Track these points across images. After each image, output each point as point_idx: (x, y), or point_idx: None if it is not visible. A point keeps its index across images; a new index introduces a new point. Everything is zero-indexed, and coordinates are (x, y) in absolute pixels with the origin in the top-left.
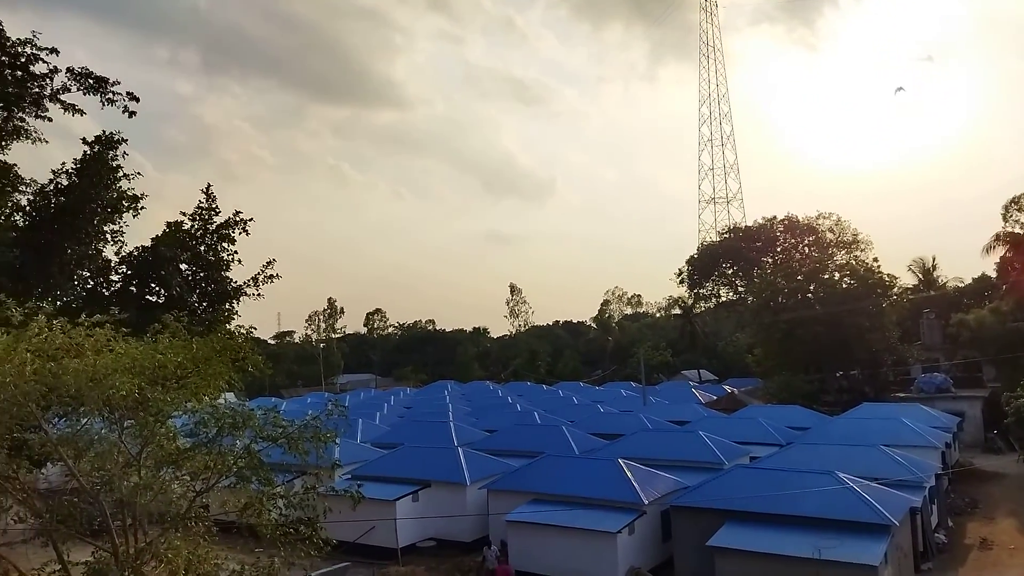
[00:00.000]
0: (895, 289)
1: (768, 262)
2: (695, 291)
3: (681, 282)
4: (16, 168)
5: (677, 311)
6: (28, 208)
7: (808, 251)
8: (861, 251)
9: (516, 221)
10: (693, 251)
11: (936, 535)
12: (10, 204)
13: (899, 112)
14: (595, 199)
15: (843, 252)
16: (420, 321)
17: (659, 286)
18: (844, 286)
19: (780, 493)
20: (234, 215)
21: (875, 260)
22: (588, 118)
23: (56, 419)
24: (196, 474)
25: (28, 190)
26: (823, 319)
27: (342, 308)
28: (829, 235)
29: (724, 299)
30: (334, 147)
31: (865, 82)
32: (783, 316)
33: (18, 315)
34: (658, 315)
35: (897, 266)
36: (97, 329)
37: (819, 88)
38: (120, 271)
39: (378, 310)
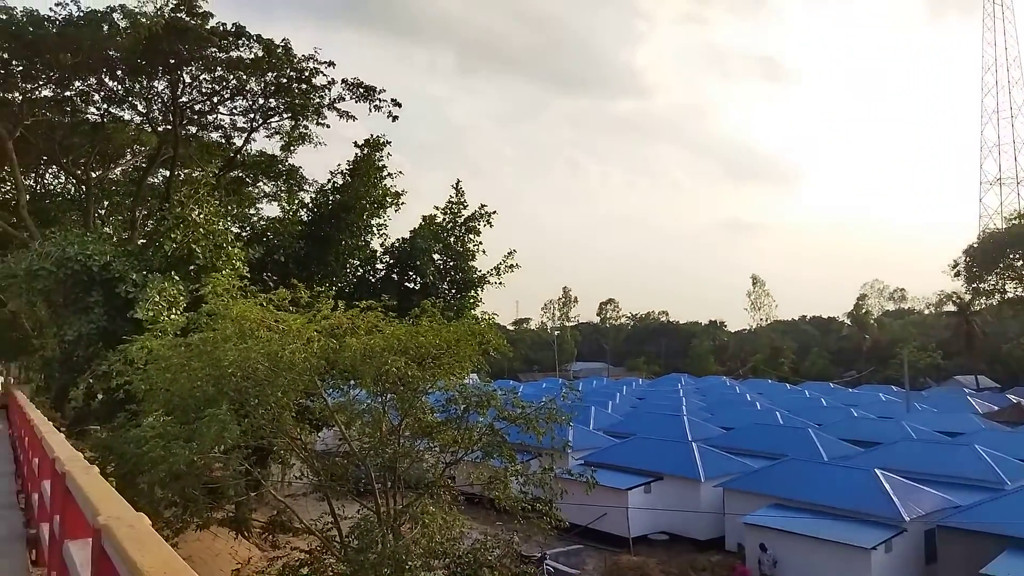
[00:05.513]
0: None
1: None
2: (974, 285)
3: (956, 275)
4: (301, 169)
5: (950, 308)
6: (310, 204)
7: None
8: None
9: (759, 207)
10: (972, 240)
11: None
12: (297, 201)
13: None
14: (851, 182)
15: None
16: (653, 312)
17: (928, 279)
18: None
19: None
20: (479, 208)
21: None
22: (845, 93)
23: (331, 390)
24: (445, 447)
25: (311, 189)
26: None
27: (576, 297)
28: None
29: (1011, 295)
30: (571, 138)
31: None
32: None
33: (305, 297)
34: (926, 312)
35: None
36: (368, 312)
37: None
38: (384, 260)
39: (611, 300)
